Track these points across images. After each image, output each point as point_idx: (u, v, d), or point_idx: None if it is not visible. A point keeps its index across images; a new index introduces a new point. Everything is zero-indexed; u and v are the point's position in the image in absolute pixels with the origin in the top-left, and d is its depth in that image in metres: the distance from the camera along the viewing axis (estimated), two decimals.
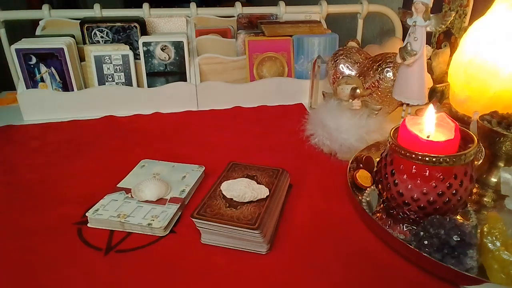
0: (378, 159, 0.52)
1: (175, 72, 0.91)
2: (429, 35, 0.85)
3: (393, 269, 0.44)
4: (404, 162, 0.46)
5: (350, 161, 0.60)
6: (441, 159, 0.43)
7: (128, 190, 0.56)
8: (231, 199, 0.49)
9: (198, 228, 0.48)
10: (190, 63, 0.92)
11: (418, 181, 0.45)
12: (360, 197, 0.56)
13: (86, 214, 0.51)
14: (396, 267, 0.45)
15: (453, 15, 0.74)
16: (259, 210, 0.47)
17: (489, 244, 0.42)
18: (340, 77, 0.76)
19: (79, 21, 0.90)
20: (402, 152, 0.45)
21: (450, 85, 0.73)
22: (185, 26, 1.00)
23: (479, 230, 0.44)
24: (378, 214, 0.53)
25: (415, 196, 0.45)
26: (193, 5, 1.03)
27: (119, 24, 0.90)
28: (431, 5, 0.63)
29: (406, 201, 0.46)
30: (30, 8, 1.00)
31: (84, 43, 0.90)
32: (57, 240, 0.49)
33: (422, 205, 0.45)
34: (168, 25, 0.99)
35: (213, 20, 1.06)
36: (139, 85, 0.91)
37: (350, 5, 1.11)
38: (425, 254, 0.41)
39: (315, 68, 0.88)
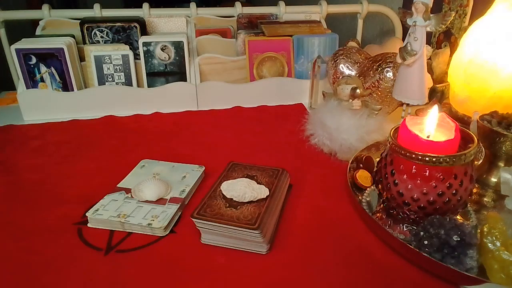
0: (378, 159, 0.52)
1: (175, 72, 0.91)
2: (429, 35, 0.85)
3: (393, 269, 0.44)
4: (404, 162, 0.46)
5: (350, 161, 0.60)
6: (441, 159, 0.43)
7: (128, 190, 0.56)
8: (231, 199, 0.49)
9: (198, 228, 0.47)
10: (190, 63, 0.92)
11: (418, 181, 0.45)
12: (360, 197, 0.56)
13: (86, 214, 0.51)
14: (396, 267, 0.45)
15: (453, 15, 0.74)
16: (259, 210, 0.47)
17: (489, 244, 0.42)
18: (340, 77, 0.76)
19: (79, 21, 0.90)
20: (402, 152, 0.45)
21: (450, 85, 0.73)
22: (185, 26, 1.00)
23: (479, 230, 0.44)
24: (378, 214, 0.53)
25: (415, 196, 0.45)
26: (193, 5, 1.03)
27: (119, 24, 0.90)
28: (431, 5, 0.63)
29: (406, 201, 0.46)
30: (30, 8, 1.00)
31: (84, 43, 0.90)
32: (57, 240, 0.49)
33: (422, 205, 0.45)
34: (168, 25, 0.99)
35: (213, 20, 1.06)
36: (139, 85, 0.91)
37: (350, 5, 1.11)
38: (425, 254, 0.41)
39: (315, 68, 0.88)
